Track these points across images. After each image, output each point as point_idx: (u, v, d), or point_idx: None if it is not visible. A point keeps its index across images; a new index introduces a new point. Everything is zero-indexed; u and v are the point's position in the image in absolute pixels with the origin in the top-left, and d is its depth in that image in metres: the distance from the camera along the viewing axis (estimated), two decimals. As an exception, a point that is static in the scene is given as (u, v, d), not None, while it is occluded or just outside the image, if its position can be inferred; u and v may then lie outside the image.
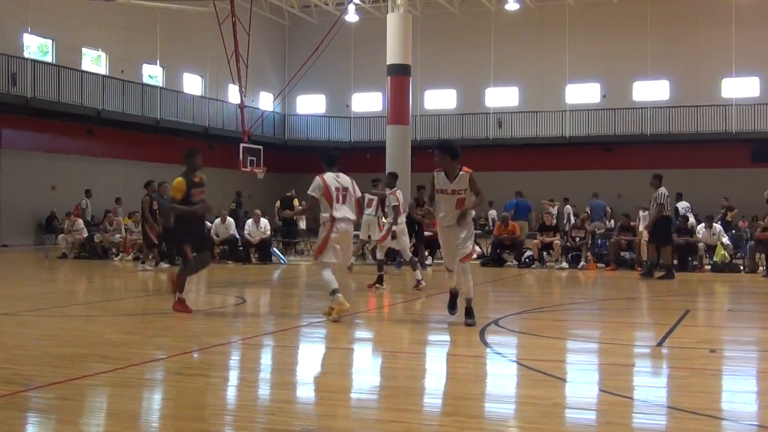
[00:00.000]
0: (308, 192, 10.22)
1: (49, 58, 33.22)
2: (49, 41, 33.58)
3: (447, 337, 9.37)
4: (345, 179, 10.40)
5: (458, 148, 9.90)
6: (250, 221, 22.04)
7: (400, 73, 27.29)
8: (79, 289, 15.65)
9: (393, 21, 27.46)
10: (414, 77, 29.60)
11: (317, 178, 10.22)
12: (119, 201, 29.02)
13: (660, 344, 8.07)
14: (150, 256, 19.66)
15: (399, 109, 27.54)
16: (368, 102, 45.86)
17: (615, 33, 41.68)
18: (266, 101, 43.97)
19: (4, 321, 10.08)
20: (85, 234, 24.06)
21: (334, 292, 9.86)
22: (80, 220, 24.76)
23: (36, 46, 33.20)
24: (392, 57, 27.38)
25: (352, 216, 10.29)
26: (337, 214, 10.10)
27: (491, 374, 6.96)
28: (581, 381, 6.50)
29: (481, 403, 5.91)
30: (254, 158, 32.58)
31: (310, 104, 47.59)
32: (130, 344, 8.29)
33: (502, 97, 43.35)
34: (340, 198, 10.22)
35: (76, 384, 6.28)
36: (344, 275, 12.81)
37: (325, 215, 10.15)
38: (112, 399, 5.98)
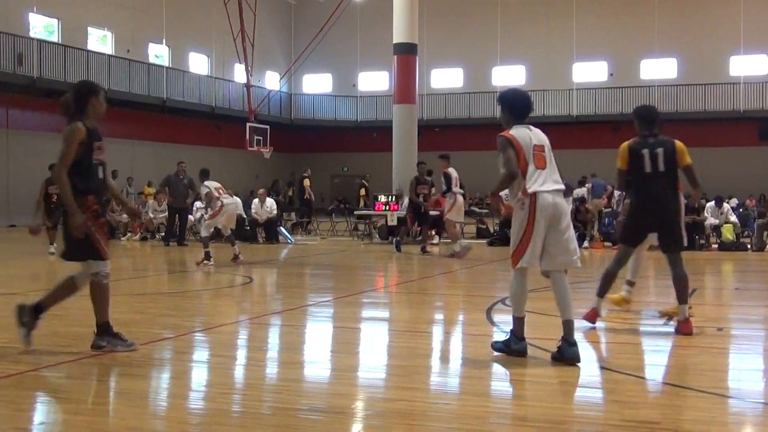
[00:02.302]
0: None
1: (54, 38, 33.16)
2: (55, 21, 33.50)
3: (454, 316, 9.40)
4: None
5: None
6: (255, 200, 22.04)
7: (407, 52, 27.16)
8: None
9: (399, -1, 27.33)
10: (420, 56, 29.47)
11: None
12: (115, 174, 29.06)
13: (667, 323, 8.06)
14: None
15: (405, 88, 27.44)
16: (375, 81, 45.74)
17: (622, 10, 41.48)
18: (273, 80, 43.89)
19: (13, 300, 10.10)
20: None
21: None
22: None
23: (42, 26, 33.13)
24: (398, 36, 27.25)
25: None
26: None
27: (497, 353, 6.97)
28: (588, 360, 6.50)
29: (488, 381, 5.92)
30: (261, 138, 32.56)
31: (317, 83, 47.49)
32: (138, 323, 8.31)
33: (508, 75, 43.18)
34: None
35: (84, 363, 6.31)
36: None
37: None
38: (120, 378, 6.00)
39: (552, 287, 6.53)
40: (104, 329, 6.64)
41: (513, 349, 6.43)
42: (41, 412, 5.18)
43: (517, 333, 6.46)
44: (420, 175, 18.40)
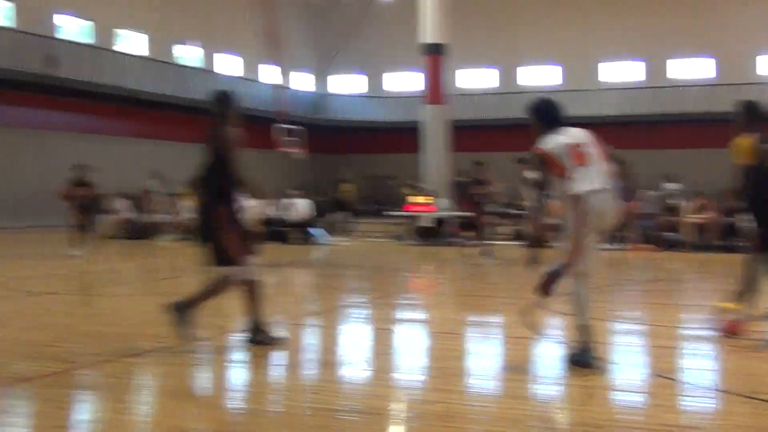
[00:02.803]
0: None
1: (86, 39, 33.46)
2: (87, 22, 33.81)
3: (492, 318, 9.36)
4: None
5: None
6: (289, 201, 22.09)
7: (436, 52, 27.12)
8: (124, 268, 15.81)
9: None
10: (452, 56, 29.39)
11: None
12: (156, 174, 29.27)
13: (709, 326, 7.97)
14: None
15: (435, 88, 27.40)
16: (404, 81, 45.69)
17: (656, 8, 41.09)
18: (302, 81, 43.99)
19: (52, 300, 10.23)
20: (127, 214, 24.36)
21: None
22: (122, 201, 25.00)
23: (74, 28, 33.44)
24: (427, 36, 27.22)
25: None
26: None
27: (537, 356, 6.93)
28: (628, 363, 6.45)
29: (526, 384, 5.88)
30: (291, 138, 32.62)
31: (346, 84, 47.54)
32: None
33: (542, 75, 43.06)
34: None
35: (123, 362, 6.36)
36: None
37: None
38: (159, 377, 6.05)
39: (580, 288, 6.32)
40: (256, 326, 6.97)
41: (580, 361, 6.14)
42: (81, 410, 5.23)
43: (584, 343, 6.17)
44: (476, 175, 17.63)
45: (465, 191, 17.72)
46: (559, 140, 6.27)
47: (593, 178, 6.14)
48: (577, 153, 6.18)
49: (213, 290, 6.99)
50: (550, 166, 6.21)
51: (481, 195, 17.40)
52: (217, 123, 7.13)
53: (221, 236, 6.75)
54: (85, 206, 16.48)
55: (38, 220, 29.82)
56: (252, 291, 6.96)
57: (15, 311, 9.27)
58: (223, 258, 6.79)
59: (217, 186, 6.84)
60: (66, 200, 16.34)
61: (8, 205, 29.13)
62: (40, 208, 30.03)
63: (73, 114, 32.38)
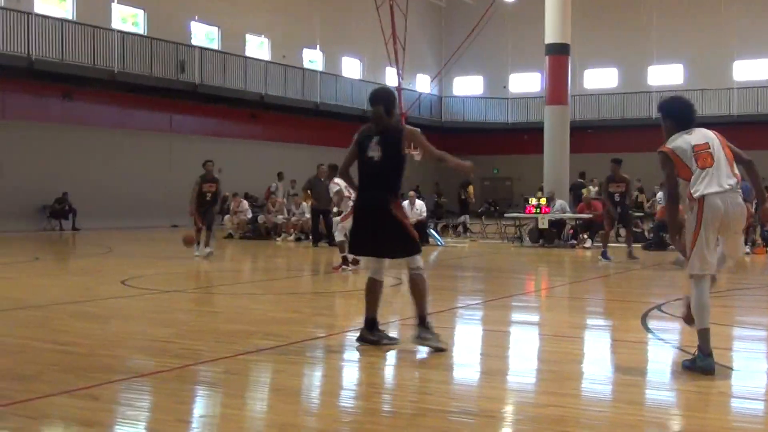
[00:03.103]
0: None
1: (215, 45, 34.44)
2: (215, 29, 34.80)
3: (607, 322, 9.19)
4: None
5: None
6: (405, 203, 22.19)
7: (559, 52, 26.73)
8: (244, 268, 16.19)
9: (551, -1, 26.93)
10: (573, 56, 28.94)
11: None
12: (281, 176, 29.91)
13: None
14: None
15: (557, 89, 27.01)
16: (526, 82, 45.27)
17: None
18: (423, 83, 44.12)
19: (175, 297, 10.57)
20: (250, 215, 25.00)
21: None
22: (245, 202, 25.63)
23: (203, 34, 34.48)
24: (550, 36, 26.86)
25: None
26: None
27: (652, 360, 6.76)
28: (749, 370, 6.22)
29: (642, 389, 5.75)
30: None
31: (467, 86, 47.42)
32: (292, 322, 8.53)
33: (665, 74, 41.85)
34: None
35: (242, 359, 6.51)
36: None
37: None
38: (275, 375, 6.17)
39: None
40: (423, 322, 6.90)
41: (698, 366, 5.94)
42: (201, 405, 5.37)
43: (703, 348, 5.96)
44: (613, 173, 17.05)
45: (606, 190, 17.04)
46: (687, 140, 6.13)
47: (718, 180, 5.97)
48: (703, 155, 6.03)
49: (424, 286, 7.01)
50: (677, 167, 6.07)
51: (620, 194, 16.73)
52: (384, 119, 7.08)
53: (407, 227, 6.93)
54: (209, 203, 16.52)
55: (166, 220, 30.94)
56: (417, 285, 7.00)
57: (137, 308, 9.62)
58: (413, 247, 6.92)
59: (394, 181, 6.99)
60: (194, 209, 16.27)
61: (139, 205, 30.28)
62: (166, 209, 31.15)
63: (201, 118, 33.43)
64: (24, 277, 13.22)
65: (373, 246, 7.04)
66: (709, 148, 6.08)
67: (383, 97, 7.16)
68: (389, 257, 7.11)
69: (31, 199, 27.36)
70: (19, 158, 27.01)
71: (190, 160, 31.93)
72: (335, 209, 13.82)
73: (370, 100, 7.19)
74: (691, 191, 5.98)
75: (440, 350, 6.73)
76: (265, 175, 32.74)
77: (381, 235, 6.91)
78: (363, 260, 14.23)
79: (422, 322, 6.89)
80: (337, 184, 13.88)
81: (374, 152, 6.94)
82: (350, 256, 13.59)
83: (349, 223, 13.44)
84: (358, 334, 7.08)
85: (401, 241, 6.94)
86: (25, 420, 4.77)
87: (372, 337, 7.01)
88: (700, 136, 6.17)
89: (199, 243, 16.30)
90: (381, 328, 7.11)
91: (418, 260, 6.98)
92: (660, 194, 21.62)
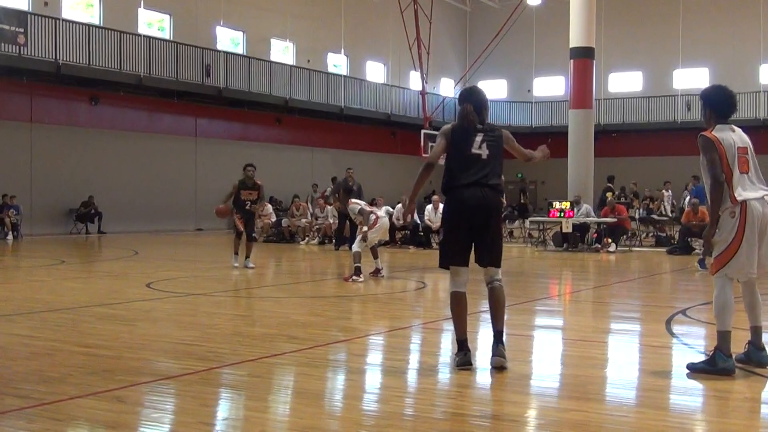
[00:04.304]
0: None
1: (240, 50, 34.61)
2: (240, 33, 34.98)
3: (632, 326, 9.15)
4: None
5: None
6: (429, 207, 22.21)
7: (584, 56, 26.67)
8: (268, 271, 16.25)
9: (576, 2, 26.85)
10: (597, 59, 28.87)
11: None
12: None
13: None
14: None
15: (582, 92, 26.94)
16: (550, 86, 45.15)
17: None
18: (447, 87, 44.12)
19: (200, 301, 10.64)
20: (274, 218, 25.12)
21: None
22: (269, 206, 25.75)
23: (228, 39, 34.66)
24: (575, 40, 26.79)
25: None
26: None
27: (677, 365, 6.72)
28: (777, 375, 6.18)
29: (667, 395, 5.72)
30: (435, 144, 32.80)
31: (492, 89, 47.28)
32: (315, 325, 8.56)
33: (691, 78, 41.56)
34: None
35: (265, 362, 6.55)
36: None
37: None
38: (298, 378, 6.20)
39: (747, 294, 6.25)
40: (500, 338, 6.36)
41: (720, 368, 5.94)
42: (225, 408, 5.40)
43: (723, 349, 5.96)
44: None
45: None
46: (733, 138, 6.14)
47: (755, 186, 6.06)
48: (743, 158, 6.08)
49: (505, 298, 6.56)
50: (719, 158, 6.02)
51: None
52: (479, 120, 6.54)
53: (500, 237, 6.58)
54: (249, 211, 15.23)
55: (191, 224, 31.14)
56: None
57: (162, 311, 9.69)
58: (499, 258, 6.54)
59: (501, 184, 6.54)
60: (223, 213, 15.43)
61: (164, 209, 30.49)
62: (192, 212, 31.35)
63: (226, 122, 33.62)
64: (51, 279, 13.35)
65: (481, 253, 6.43)
66: (747, 154, 6.13)
67: (484, 97, 6.68)
68: (494, 265, 6.48)
69: (57, 202, 27.62)
70: (47, 162, 27.31)
71: (215, 163, 32.20)
72: (365, 228, 13.49)
73: (473, 98, 6.58)
74: (734, 194, 5.98)
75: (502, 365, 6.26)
76: (289, 179, 32.87)
77: (488, 239, 6.38)
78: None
79: (502, 337, 6.36)
80: (357, 203, 13.92)
81: (481, 150, 6.41)
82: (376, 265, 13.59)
83: (376, 233, 13.52)
84: (457, 361, 6.30)
85: (500, 248, 6.53)
86: (51, 422, 4.83)
87: (470, 360, 6.31)
88: (743, 138, 6.20)
89: (237, 253, 15.33)
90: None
91: (499, 271, 6.56)
92: (688, 198, 21.46)
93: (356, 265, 13.10)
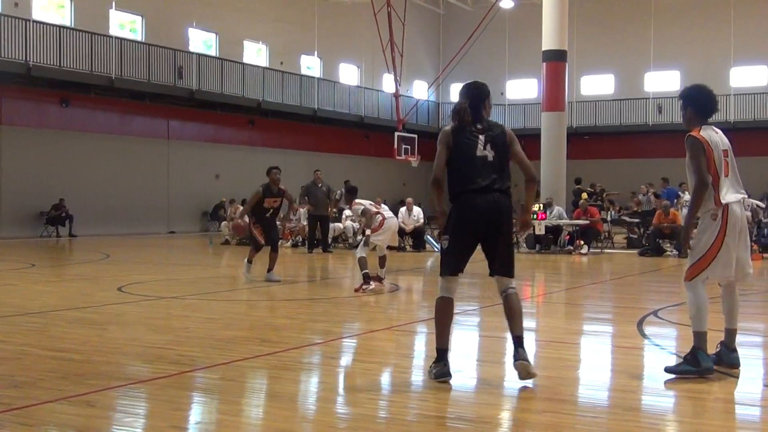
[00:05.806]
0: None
1: (213, 52, 34.48)
2: (213, 35, 34.84)
3: (604, 328, 9.21)
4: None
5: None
6: (403, 209, 22.22)
7: (556, 59, 26.83)
8: (241, 274, 16.18)
9: (549, 6, 27.01)
10: (570, 62, 29.03)
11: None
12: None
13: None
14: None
15: (554, 95, 27.10)
16: (523, 88, 45.32)
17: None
18: (421, 90, 44.16)
19: (171, 304, 10.58)
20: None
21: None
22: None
23: (201, 41, 34.51)
24: (548, 42, 26.94)
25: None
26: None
27: (649, 366, 6.77)
28: (747, 376, 6.23)
29: (639, 396, 5.76)
30: (409, 146, 32.83)
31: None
32: (288, 328, 8.54)
33: (662, 81, 41.87)
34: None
35: (238, 365, 6.52)
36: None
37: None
38: (271, 381, 6.18)
39: (726, 297, 6.32)
40: (521, 342, 6.05)
41: (704, 367, 5.93)
42: (197, 411, 5.38)
43: (704, 349, 5.98)
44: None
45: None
46: (718, 141, 6.15)
47: (735, 189, 6.10)
48: (725, 161, 6.11)
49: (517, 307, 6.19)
50: (706, 160, 6.01)
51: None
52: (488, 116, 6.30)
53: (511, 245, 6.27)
54: (270, 219, 13.63)
55: (163, 227, 30.96)
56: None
57: (134, 315, 9.62)
58: (512, 266, 6.24)
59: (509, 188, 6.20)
60: (242, 230, 13.76)
61: (136, 212, 30.30)
62: (164, 215, 31.18)
63: (199, 124, 33.49)
64: (21, 283, 13.22)
65: (493, 261, 6.17)
66: (728, 156, 6.16)
67: (483, 93, 6.32)
68: (507, 275, 6.18)
69: (28, 205, 27.37)
70: (17, 164, 27.04)
71: (187, 166, 32.07)
72: (367, 232, 12.15)
73: (472, 94, 6.30)
74: (720, 196, 6.00)
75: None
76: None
77: (501, 246, 6.11)
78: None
79: (520, 342, 6.03)
80: (361, 204, 12.45)
81: (487, 151, 6.16)
82: (373, 272, 12.14)
83: (381, 236, 12.24)
84: (435, 372, 5.99)
85: (512, 256, 6.24)
86: (21, 427, 4.78)
87: (449, 371, 6.00)
88: (724, 140, 6.21)
89: (251, 261, 13.65)
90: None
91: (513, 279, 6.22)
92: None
93: (363, 272, 11.95)
